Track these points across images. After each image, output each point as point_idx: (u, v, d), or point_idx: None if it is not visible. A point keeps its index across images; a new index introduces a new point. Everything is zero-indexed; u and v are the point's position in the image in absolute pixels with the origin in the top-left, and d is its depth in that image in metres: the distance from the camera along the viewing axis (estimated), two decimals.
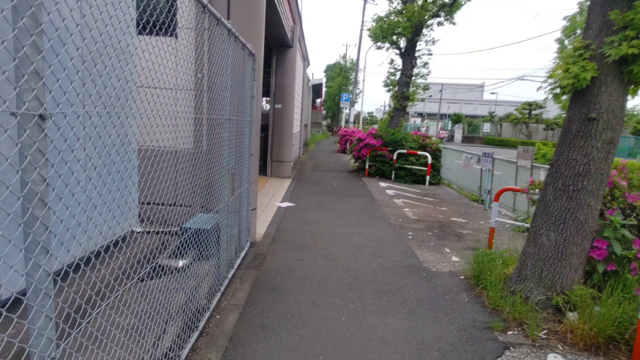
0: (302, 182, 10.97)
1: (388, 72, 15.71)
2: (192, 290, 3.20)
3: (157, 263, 2.47)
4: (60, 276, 1.52)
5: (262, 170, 11.08)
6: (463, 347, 3.17)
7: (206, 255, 3.58)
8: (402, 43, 14.66)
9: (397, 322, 3.53)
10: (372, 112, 78.24)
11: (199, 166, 3.26)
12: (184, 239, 3.16)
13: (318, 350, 3.02)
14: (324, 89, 40.80)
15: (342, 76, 44.30)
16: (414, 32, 13.75)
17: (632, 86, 3.50)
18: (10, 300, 1.29)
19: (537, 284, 3.74)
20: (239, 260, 4.55)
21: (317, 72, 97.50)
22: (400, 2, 14.25)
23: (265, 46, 6.29)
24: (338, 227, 6.51)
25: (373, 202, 8.70)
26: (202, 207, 4.01)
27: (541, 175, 6.74)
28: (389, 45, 14.83)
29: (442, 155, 12.07)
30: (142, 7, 2.05)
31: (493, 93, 55.33)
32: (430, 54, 15.19)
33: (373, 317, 3.59)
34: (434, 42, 14.73)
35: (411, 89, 14.63)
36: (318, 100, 38.62)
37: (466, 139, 41.94)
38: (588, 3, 3.64)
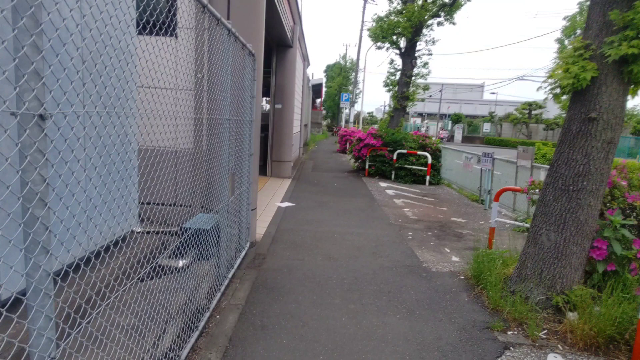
0: (302, 182, 10.97)
1: (388, 72, 15.73)
2: (192, 290, 3.20)
3: (157, 263, 2.47)
4: (60, 276, 1.52)
5: (262, 170, 11.08)
6: (463, 347, 3.17)
7: (206, 255, 3.58)
8: (402, 43, 14.66)
9: (397, 322, 3.53)
10: (372, 112, 78.24)
11: (199, 166, 3.26)
12: (184, 239, 3.16)
13: (318, 350, 3.02)
14: (324, 89, 40.81)
15: (342, 76, 44.31)
16: (414, 32, 13.75)
17: (632, 86, 3.50)
18: (10, 300, 1.29)
19: (537, 284, 3.74)
20: (239, 260, 4.55)
21: (317, 72, 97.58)
22: (400, 2, 14.25)
23: (265, 46, 6.29)
24: (338, 227, 6.51)
25: (373, 202, 8.70)
26: (202, 207, 4.01)
27: (541, 175, 6.74)
28: (389, 45, 14.83)
29: (442, 155, 12.06)
30: (142, 7, 2.05)
31: (493, 93, 55.29)
32: (430, 54, 15.19)
33: (373, 317, 3.59)
34: (434, 42, 14.74)
35: (411, 89, 14.63)
36: (318, 100, 38.62)
37: (466, 139, 41.94)
38: (588, 3, 3.64)
